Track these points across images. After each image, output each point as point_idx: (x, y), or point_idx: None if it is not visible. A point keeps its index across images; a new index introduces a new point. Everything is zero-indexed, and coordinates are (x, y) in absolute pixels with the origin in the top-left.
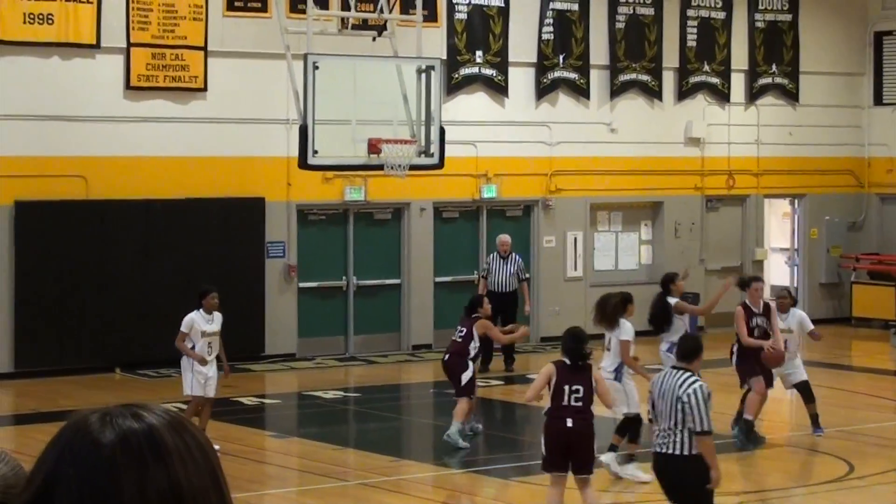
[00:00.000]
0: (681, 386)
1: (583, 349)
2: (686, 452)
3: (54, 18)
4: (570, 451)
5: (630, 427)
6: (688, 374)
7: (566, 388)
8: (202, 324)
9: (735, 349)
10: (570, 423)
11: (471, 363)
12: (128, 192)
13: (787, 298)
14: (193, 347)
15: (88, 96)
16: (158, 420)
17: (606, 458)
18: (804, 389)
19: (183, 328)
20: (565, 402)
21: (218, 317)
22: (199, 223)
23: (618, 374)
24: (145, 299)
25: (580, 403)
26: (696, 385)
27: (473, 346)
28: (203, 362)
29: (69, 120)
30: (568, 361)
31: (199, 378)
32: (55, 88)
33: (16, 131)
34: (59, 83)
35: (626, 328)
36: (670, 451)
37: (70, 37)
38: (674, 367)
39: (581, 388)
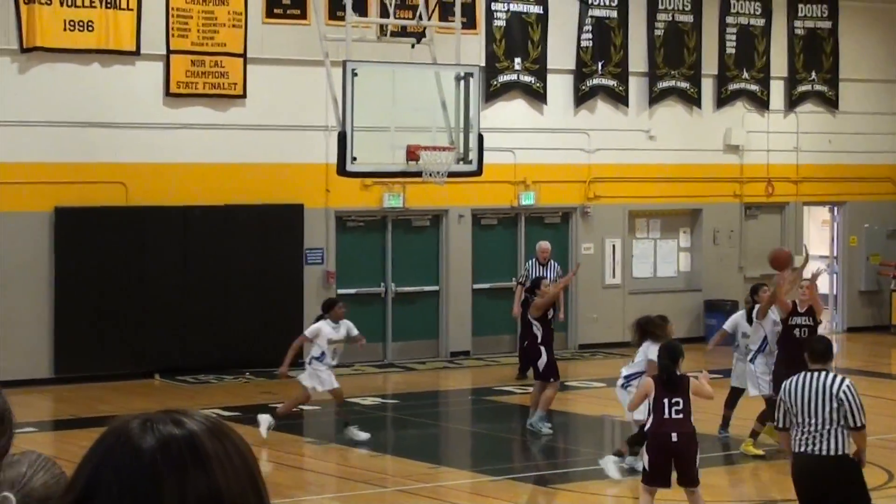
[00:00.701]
0: (832, 385)
1: (679, 364)
2: (841, 452)
3: (94, 25)
4: (676, 464)
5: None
6: (832, 373)
7: (666, 401)
8: (330, 332)
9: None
10: (674, 437)
11: (542, 347)
12: (167, 199)
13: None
14: (322, 355)
15: (128, 103)
16: (199, 426)
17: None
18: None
19: (307, 333)
20: (667, 416)
21: (344, 324)
22: (237, 229)
23: (629, 381)
24: (184, 305)
25: (681, 416)
26: (848, 382)
27: (537, 330)
28: (283, 375)
29: (109, 126)
30: (665, 376)
31: (319, 375)
32: (95, 95)
33: (56, 138)
34: (98, 90)
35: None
36: (826, 453)
37: (110, 44)
38: (811, 370)
39: (681, 400)
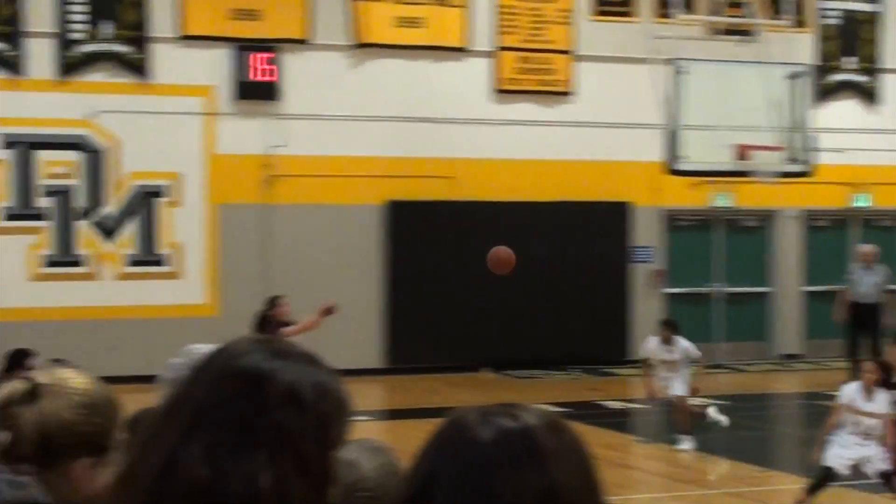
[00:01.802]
0: None
1: None
2: None
3: (424, 22)
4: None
5: None
6: None
7: None
8: (656, 350)
9: None
10: None
11: None
12: (495, 194)
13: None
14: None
15: (456, 99)
16: (536, 421)
17: None
18: None
19: (645, 353)
20: None
21: (680, 346)
22: (563, 225)
23: None
24: (511, 300)
25: None
26: None
27: None
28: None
29: (438, 122)
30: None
31: (661, 382)
32: (424, 91)
33: (387, 132)
34: (428, 86)
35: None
36: None
37: (439, 40)
38: None
39: None
